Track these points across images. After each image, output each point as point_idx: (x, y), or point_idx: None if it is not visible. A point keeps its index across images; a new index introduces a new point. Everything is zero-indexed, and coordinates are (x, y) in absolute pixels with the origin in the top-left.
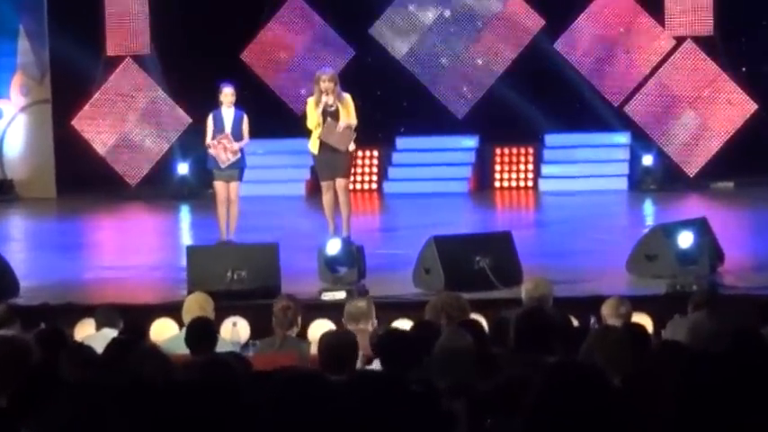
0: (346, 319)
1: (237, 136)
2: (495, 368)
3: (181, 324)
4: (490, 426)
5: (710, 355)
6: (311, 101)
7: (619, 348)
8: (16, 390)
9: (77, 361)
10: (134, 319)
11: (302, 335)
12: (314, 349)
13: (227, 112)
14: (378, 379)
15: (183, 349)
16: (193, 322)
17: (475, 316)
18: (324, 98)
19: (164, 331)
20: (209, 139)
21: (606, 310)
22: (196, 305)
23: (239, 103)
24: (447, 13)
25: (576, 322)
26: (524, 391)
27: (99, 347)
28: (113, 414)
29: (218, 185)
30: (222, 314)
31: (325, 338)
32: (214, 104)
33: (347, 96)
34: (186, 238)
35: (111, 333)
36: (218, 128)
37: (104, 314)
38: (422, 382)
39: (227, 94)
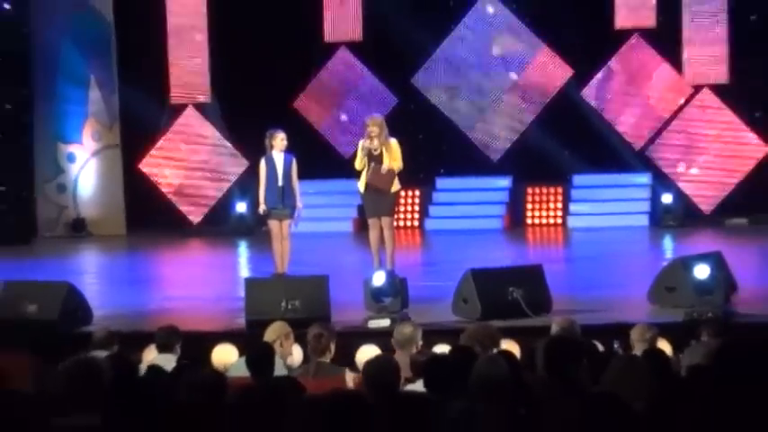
0: (394, 345)
1: (288, 179)
2: (528, 394)
3: (240, 350)
4: None
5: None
6: (361, 143)
7: (642, 376)
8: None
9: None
10: (196, 344)
11: (350, 359)
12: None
13: (278, 157)
14: (418, 400)
15: (242, 372)
16: (254, 348)
17: (508, 342)
18: (368, 142)
19: (224, 356)
20: (262, 184)
21: (634, 334)
22: (272, 333)
23: (291, 147)
24: (483, 65)
25: (600, 347)
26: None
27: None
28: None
29: (272, 223)
30: None
31: (369, 364)
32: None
33: (393, 141)
34: (244, 271)
35: (171, 357)
36: (270, 172)
37: (164, 335)
38: (463, 405)
39: (281, 138)
